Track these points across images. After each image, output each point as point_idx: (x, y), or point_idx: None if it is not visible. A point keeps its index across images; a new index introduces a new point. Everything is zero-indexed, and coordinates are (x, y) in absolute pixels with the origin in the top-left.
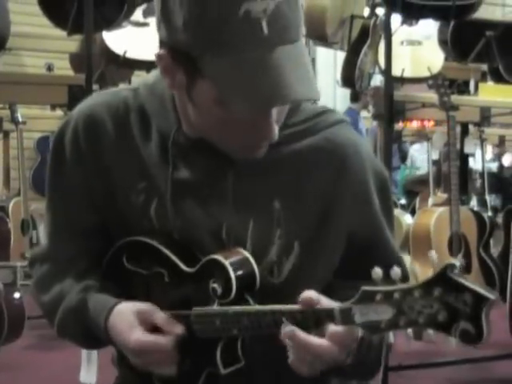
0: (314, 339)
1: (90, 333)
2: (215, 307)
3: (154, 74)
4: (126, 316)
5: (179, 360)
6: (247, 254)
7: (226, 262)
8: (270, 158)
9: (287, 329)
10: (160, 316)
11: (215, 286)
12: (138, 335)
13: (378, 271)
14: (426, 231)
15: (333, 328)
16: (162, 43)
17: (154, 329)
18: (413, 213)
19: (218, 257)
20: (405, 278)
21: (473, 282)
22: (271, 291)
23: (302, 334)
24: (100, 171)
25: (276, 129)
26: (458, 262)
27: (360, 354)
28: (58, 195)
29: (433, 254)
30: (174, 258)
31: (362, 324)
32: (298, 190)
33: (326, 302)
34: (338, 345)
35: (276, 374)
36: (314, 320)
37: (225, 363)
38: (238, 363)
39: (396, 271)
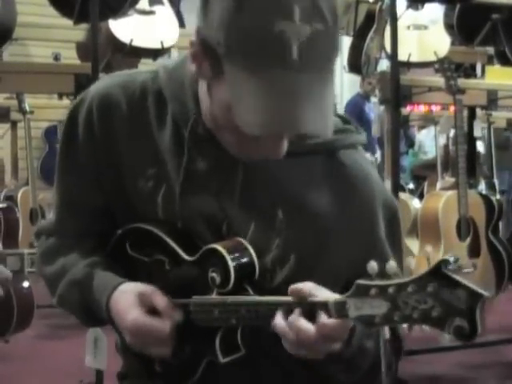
0: (304, 324)
1: (90, 308)
2: (214, 296)
3: (175, 60)
4: (128, 295)
5: (178, 347)
6: (246, 244)
7: (225, 252)
8: (283, 167)
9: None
10: (160, 299)
11: (214, 275)
12: (135, 315)
13: (373, 265)
14: (435, 215)
15: (324, 320)
16: (198, 31)
17: (154, 311)
18: (421, 197)
19: (217, 246)
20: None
21: (466, 279)
22: (262, 295)
23: (294, 318)
24: (111, 152)
25: (284, 148)
26: (452, 257)
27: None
28: (68, 171)
29: (428, 248)
30: (174, 245)
31: (357, 318)
32: (304, 205)
33: (322, 293)
34: (325, 337)
35: (279, 364)
36: (308, 311)
37: (224, 352)
38: (237, 352)
39: (391, 265)
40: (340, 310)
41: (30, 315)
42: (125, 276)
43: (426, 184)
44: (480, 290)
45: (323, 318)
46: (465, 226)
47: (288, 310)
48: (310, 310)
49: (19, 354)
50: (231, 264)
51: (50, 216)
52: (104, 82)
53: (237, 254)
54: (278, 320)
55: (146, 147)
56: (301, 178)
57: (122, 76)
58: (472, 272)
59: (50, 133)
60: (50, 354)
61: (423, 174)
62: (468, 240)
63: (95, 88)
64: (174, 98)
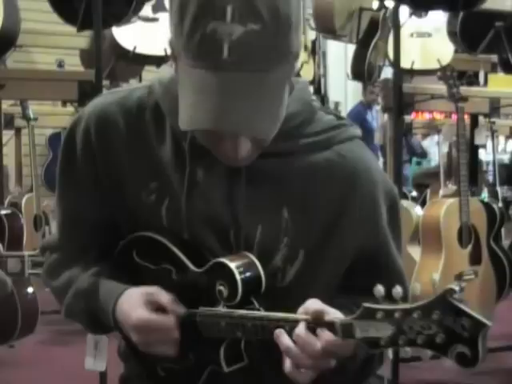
0: (311, 337)
1: (97, 316)
2: (221, 309)
3: (170, 72)
4: (133, 297)
5: (182, 355)
6: (254, 259)
7: (233, 267)
8: (283, 166)
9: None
10: (164, 296)
11: (221, 288)
12: (140, 312)
13: (380, 289)
14: (436, 222)
15: (328, 337)
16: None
17: (159, 309)
18: (423, 205)
19: (226, 260)
20: (405, 297)
21: (471, 308)
22: (274, 294)
23: (301, 331)
24: (110, 169)
25: (243, 152)
26: (457, 286)
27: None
28: (68, 191)
29: (435, 276)
30: (182, 256)
31: (362, 339)
32: (308, 202)
33: (329, 311)
34: (328, 353)
35: (279, 373)
36: (313, 328)
37: (228, 361)
38: (241, 362)
39: (398, 290)
40: (346, 331)
41: (35, 321)
42: (130, 282)
43: (428, 191)
44: (483, 320)
45: (328, 334)
46: (466, 234)
47: (294, 327)
48: (317, 329)
49: (24, 359)
50: (239, 278)
51: (54, 229)
52: (100, 100)
53: (244, 269)
54: (284, 338)
55: (147, 162)
56: (303, 176)
57: (118, 93)
58: (473, 279)
59: (53, 140)
60: (55, 359)
61: (425, 183)
62: (469, 247)
63: (91, 107)
64: (172, 112)
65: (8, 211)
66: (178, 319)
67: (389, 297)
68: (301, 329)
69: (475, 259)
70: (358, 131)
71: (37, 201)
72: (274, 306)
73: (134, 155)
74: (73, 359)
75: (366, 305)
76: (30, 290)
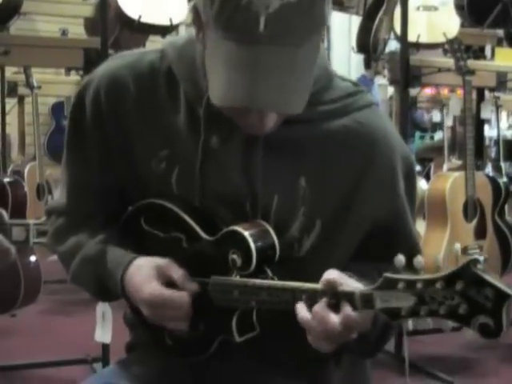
0: (332, 316)
1: (104, 283)
2: (234, 278)
3: (183, 37)
4: (144, 269)
5: (192, 324)
6: (268, 227)
7: (247, 235)
8: (301, 134)
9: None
10: (177, 271)
11: (235, 257)
12: (153, 287)
13: (401, 258)
14: (441, 196)
15: (348, 312)
16: None
17: (170, 284)
18: (427, 179)
19: (239, 229)
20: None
21: (495, 278)
22: (290, 265)
23: (320, 308)
24: (120, 135)
25: (269, 125)
26: (482, 256)
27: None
28: (76, 154)
29: (457, 246)
30: (193, 224)
31: (382, 309)
32: (325, 170)
33: (348, 282)
34: (347, 329)
35: (287, 342)
36: (333, 301)
37: (240, 331)
38: (252, 331)
39: (419, 260)
40: (366, 301)
41: (37, 290)
42: (137, 250)
43: (432, 165)
44: (508, 290)
45: (347, 309)
46: (471, 208)
47: (312, 298)
48: (335, 299)
49: (26, 328)
50: (253, 247)
51: (58, 195)
52: (111, 63)
53: (258, 237)
54: (303, 312)
55: (158, 128)
56: (321, 144)
57: (129, 56)
58: (478, 253)
59: (56, 109)
60: (57, 329)
61: (428, 157)
62: (474, 221)
63: (102, 69)
64: (186, 78)
65: (11, 179)
66: (191, 296)
67: (409, 266)
68: (321, 307)
69: (480, 233)
70: (373, 98)
71: (40, 170)
72: (289, 276)
73: (144, 120)
74: (75, 328)
75: (387, 275)
76: (33, 258)
